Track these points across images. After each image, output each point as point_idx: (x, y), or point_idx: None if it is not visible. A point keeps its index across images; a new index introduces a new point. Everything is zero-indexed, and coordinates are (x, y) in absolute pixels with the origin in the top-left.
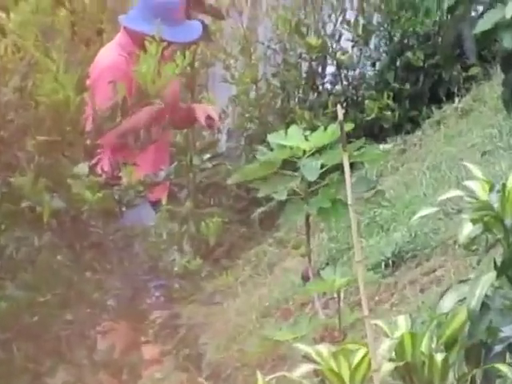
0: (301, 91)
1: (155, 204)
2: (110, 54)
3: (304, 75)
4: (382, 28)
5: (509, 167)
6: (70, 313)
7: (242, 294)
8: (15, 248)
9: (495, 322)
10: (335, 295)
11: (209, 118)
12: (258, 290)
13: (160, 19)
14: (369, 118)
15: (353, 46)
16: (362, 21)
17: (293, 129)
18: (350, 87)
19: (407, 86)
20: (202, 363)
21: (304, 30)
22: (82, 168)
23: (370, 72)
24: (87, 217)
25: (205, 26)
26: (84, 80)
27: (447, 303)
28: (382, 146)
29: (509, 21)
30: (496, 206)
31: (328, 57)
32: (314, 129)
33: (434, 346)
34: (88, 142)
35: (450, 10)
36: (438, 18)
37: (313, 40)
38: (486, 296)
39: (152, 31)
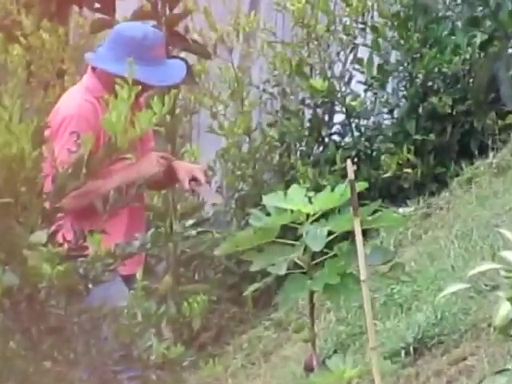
0: (303, 144)
1: (128, 279)
2: (74, 100)
3: (307, 125)
4: (401, 68)
5: None
6: None
7: None
8: None
9: None
10: None
11: (194, 179)
12: (252, 383)
13: (134, 58)
14: (385, 176)
15: (366, 90)
16: (377, 59)
17: (294, 189)
18: (363, 139)
19: (432, 137)
20: None
21: (307, 70)
22: (40, 236)
23: (386, 121)
24: (46, 295)
25: (188, 66)
26: (42, 131)
27: None
28: (401, 210)
29: None
30: None
31: (336, 102)
32: (318, 189)
33: None
34: (47, 205)
35: (483, 46)
36: (468, 56)
37: (318, 83)
38: None
39: (125, 72)
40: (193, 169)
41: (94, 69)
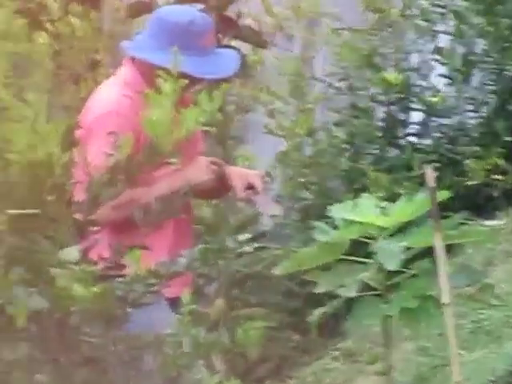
0: (375, 146)
1: (174, 303)
2: (110, 95)
3: (379, 124)
4: (488, 59)
5: None
6: None
7: None
8: None
9: None
10: None
11: (249, 187)
12: None
13: (179, 46)
14: (471, 184)
15: (448, 84)
16: (460, 49)
17: (364, 198)
18: (445, 141)
19: None
20: None
21: (379, 61)
22: (71, 253)
23: (472, 120)
24: (78, 320)
25: (241, 57)
26: (73, 131)
27: None
28: (489, 223)
29: None
30: None
31: (413, 99)
32: (393, 198)
33: None
34: (79, 216)
35: None
36: None
37: (391, 76)
38: None
39: (169, 62)
40: (248, 175)
41: (132, 59)
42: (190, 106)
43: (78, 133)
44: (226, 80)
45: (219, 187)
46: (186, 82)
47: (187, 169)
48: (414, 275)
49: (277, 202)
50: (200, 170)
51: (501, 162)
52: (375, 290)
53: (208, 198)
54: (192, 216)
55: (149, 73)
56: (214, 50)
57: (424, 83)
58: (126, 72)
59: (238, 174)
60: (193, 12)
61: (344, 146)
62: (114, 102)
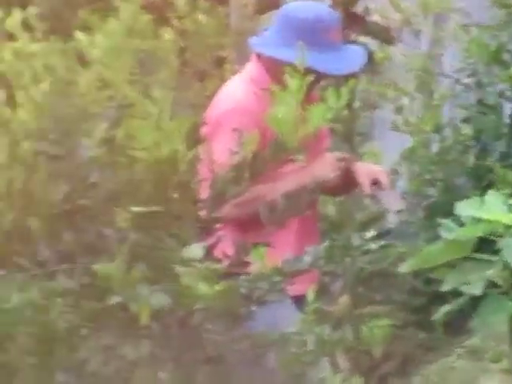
0: (503, 143)
1: (299, 301)
2: (236, 92)
3: (507, 121)
4: None
5: None
6: None
7: None
8: (101, 362)
9: None
10: None
11: (375, 182)
12: None
13: (306, 43)
14: None
15: None
16: None
17: (492, 195)
18: None
19: None
20: None
21: (508, 57)
22: (195, 250)
23: None
24: (202, 318)
25: (369, 53)
26: (198, 128)
27: None
28: None
29: None
30: None
31: None
32: None
33: None
34: (203, 214)
35: None
36: None
37: None
38: None
39: (295, 59)
40: (374, 171)
41: (258, 56)
42: (317, 102)
43: (203, 129)
44: (352, 76)
45: (346, 183)
46: (312, 78)
47: (314, 165)
48: None
49: (402, 199)
50: (327, 167)
51: None
52: (501, 287)
53: (335, 195)
54: (317, 213)
55: (275, 69)
56: (341, 46)
57: None
58: (252, 68)
59: (364, 170)
60: (319, 8)
61: (471, 142)
62: (240, 98)
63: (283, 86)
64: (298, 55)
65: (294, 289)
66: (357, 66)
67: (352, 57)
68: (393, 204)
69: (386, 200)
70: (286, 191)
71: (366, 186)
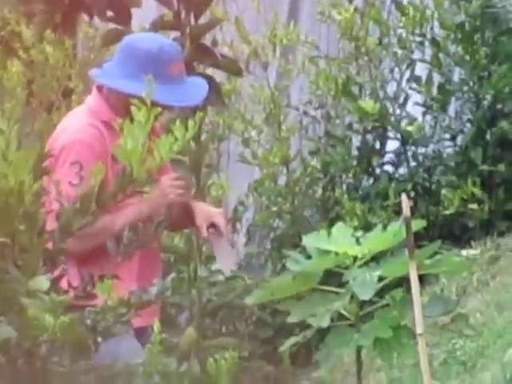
0: (350, 175)
1: (143, 332)
2: (75, 124)
3: (355, 153)
4: (465, 88)
5: None
6: None
7: None
8: None
9: None
10: None
11: (213, 225)
12: None
13: (147, 74)
14: (447, 214)
15: (424, 113)
16: (437, 77)
17: (339, 228)
18: (421, 170)
19: (501, 167)
20: None
21: (355, 90)
22: (41, 282)
23: (448, 149)
24: (48, 350)
25: (214, 85)
26: (44, 159)
27: None
28: (465, 252)
29: None
30: None
31: (389, 128)
32: (368, 228)
33: None
34: (49, 245)
35: None
36: None
37: (368, 104)
38: None
39: (139, 91)
40: (213, 214)
41: (100, 88)
42: (160, 134)
43: (48, 161)
44: (200, 109)
45: (185, 221)
46: (158, 111)
47: (151, 194)
48: (387, 305)
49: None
50: (163, 193)
51: (477, 191)
52: (348, 319)
53: (174, 230)
54: (160, 244)
55: (117, 101)
56: (184, 78)
57: (400, 112)
58: (92, 100)
59: (202, 213)
60: (162, 40)
61: (319, 174)
62: (79, 130)
63: (125, 117)
64: (144, 87)
65: (136, 321)
66: (199, 98)
67: (195, 89)
68: (226, 262)
69: (218, 249)
70: (128, 222)
71: (203, 230)
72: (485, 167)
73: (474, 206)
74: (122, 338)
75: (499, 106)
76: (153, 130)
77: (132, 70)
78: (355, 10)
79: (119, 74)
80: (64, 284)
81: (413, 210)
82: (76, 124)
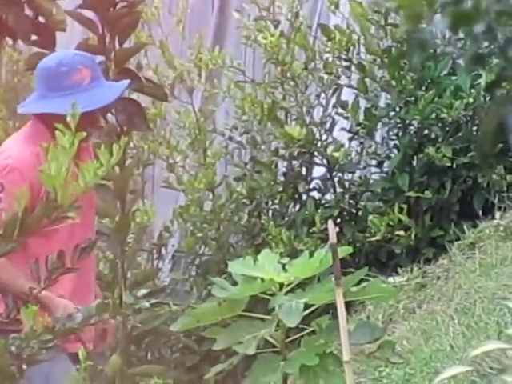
0: (276, 202)
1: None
2: (9, 149)
3: (281, 179)
4: (392, 113)
5: None
6: None
7: None
8: None
9: None
10: None
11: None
12: None
13: (51, 90)
14: (373, 240)
15: (351, 139)
16: (363, 103)
17: (265, 254)
18: (347, 196)
19: (428, 194)
20: None
21: (281, 115)
22: None
23: (375, 175)
24: None
25: (139, 109)
26: None
27: None
28: (391, 279)
29: None
30: None
31: (315, 153)
32: (294, 255)
33: None
34: None
35: (490, 87)
36: (471, 100)
37: (294, 130)
38: None
39: (46, 109)
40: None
41: (37, 116)
42: (89, 159)
43: None
44: (125, 133)
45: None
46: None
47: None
48: (313, 332)
49: (175, 259)
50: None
51: (403, 218)
52: (274, 347)
53: None
54: (94, 270)
55: (41, 123)
56: (97, 83)
57: (327, 137)
58: (31, 125)
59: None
60: (64, 54)
61: (245, 201)
62: (9, 156)
63: (53, 139)
64: (46, 105)
65: (70, 346)
66: (106, 101)
67: (102, 93)
68: None
69: None
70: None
71: None
72: (411, 194)
73: (401, 232)
74: (54, 361)
75: (426, 132)
76: (80, 156)
77: (41, 91)
78: (281, 34)
79: (35, 97)
80: None
81: (339, 236)
82: (9, 149)
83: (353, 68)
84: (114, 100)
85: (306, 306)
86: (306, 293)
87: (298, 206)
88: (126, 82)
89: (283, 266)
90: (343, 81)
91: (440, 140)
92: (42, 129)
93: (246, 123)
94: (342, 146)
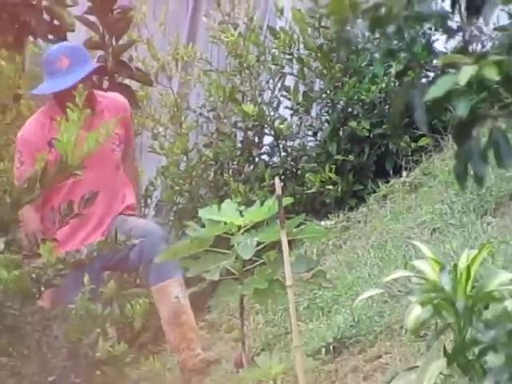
0: (235, 163)
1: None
2: (26, 122)
3: (239, 146)
4: (324, 95)
5: (461, 246)
6: None
7: (169, 382)
8: None
9: None
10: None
11: None
12: None
13: (45, 74)
14: (309, 192)
15: (292, 115)
16: (302, 87)
17: (226, 203)
18: (289, 159)
19: (351, 157)
20: None
21: (239, 96)
22: None
23: (310, 143)
24: (2, 298)
25: (131, 92)
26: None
27: None
28: (323, 223)
29: (462, 88)
30: (447, 287)
31: (265, 126)
32: (249, 203)
33: None
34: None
35: (399, 75)
36: (385, 85)
37: (249, 108)
38: None
39: (38, 90)
40: None
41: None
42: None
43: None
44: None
45: None
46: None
47: None
48: (264, 263)
49: (158, 207)
50: None
51: (332, 175)
52: (234, 274)
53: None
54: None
55: (54, 100)
56: (73, 69)
57: (274, 114)
58: (48, 103)
59: None
60: (57, 46)
61: (211, 162)
62: (23, 128)
63: (63, 113)
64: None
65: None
66: (77, 79)
67: (76, 74)
68: None
69: None
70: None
71: None
72: (339, 157)
73: (331, 186)
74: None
75: (350, 110)
76: (93, 126)
77: (44, 76)
78: (239, 34)
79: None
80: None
81: (283, 190)
82: (26, 123)
83: (294, 60)
84: (82, 78)
85: (258, 243)
86: (258, 233)
87: (252, 167)
88: (96, 65)
89: (241, 212)
90: (286, 70)
91: (360, 116)
92: (53, 104)
93: (212, 103)
94: (286, 120)
